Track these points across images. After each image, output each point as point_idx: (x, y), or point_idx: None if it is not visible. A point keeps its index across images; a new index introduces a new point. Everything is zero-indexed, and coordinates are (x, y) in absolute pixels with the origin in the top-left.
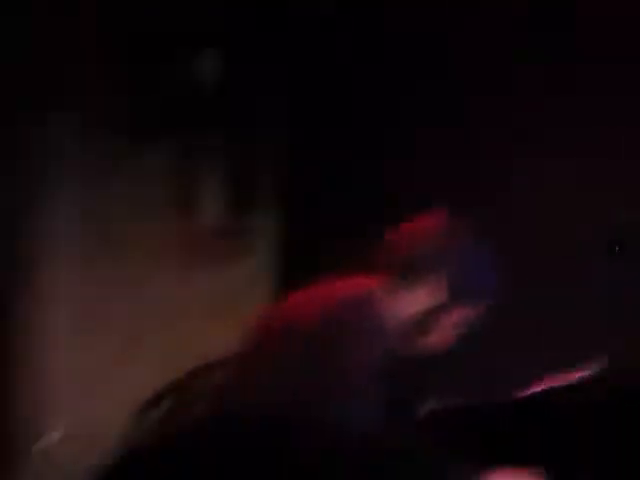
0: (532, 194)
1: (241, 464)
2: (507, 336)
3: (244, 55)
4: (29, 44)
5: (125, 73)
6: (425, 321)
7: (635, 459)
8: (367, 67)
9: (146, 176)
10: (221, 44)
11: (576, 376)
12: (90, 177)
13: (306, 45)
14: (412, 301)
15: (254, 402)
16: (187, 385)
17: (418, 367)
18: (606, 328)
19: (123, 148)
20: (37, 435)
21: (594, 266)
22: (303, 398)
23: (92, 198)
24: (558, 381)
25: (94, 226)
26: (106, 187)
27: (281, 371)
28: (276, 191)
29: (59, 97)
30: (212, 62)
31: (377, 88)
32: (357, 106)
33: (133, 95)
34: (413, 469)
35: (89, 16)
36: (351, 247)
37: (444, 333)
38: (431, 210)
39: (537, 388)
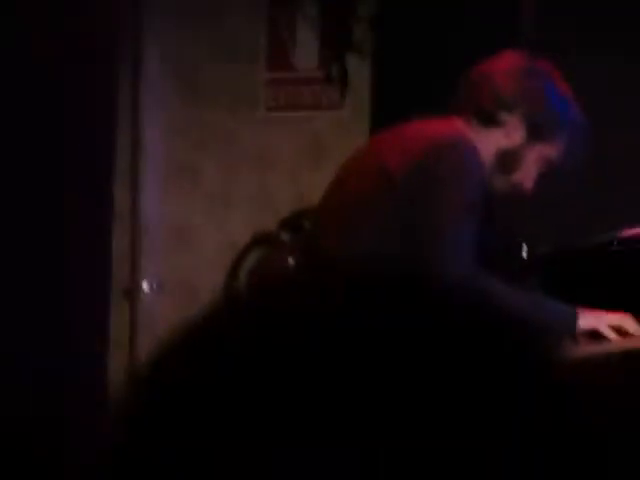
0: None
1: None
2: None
3: None
4: None
5: None
6: (508, 160)
7: None
8: None
9: (238, 23)
10: None
11: None
12: (183, 24)
13: None
14: (494, 141)
15: (344, 253)
16: (276, 235)
17: (514, 212)
18: None
19: None
20: (134, 285)
21: None
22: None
23: (184, 47)
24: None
25: (183, 77)
26: (199, 34)
27: (373, 217)
28: (369, 40)
29: None
30: None
31: None
32: None
33: None
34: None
35: None
36: (437, 96)
37: (529, 171)
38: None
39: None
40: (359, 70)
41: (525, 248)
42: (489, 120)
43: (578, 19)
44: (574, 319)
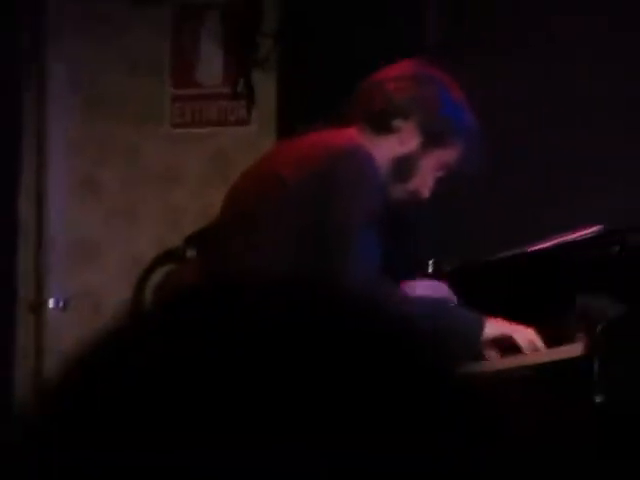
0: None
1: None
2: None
3: None
4: None
5: None
6: (404, 167)
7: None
8: None
9: (142, 39)
10: None
11: (585, 233)
12: (88, 39)
13: None
14: (389, 148)
15: (246, 267)
16: (182, 251)
17: (418, 221)
18: (606, 190)
19: (114, 11)
20: (40, 301)
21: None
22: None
23: (89, 63)
24: (567, 237)
25: (88, 91)
26: (103, 50)
27: (269, 226)
28: (274, 55)
29: None
30: None
31: None
32: None
33: None
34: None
35: None
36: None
37: (425, 178)
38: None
39: (547, 244)
40: (265, 85)
41: (432, 262)
42: (383, 127)
43: (483, 21)
44: (480, 326)
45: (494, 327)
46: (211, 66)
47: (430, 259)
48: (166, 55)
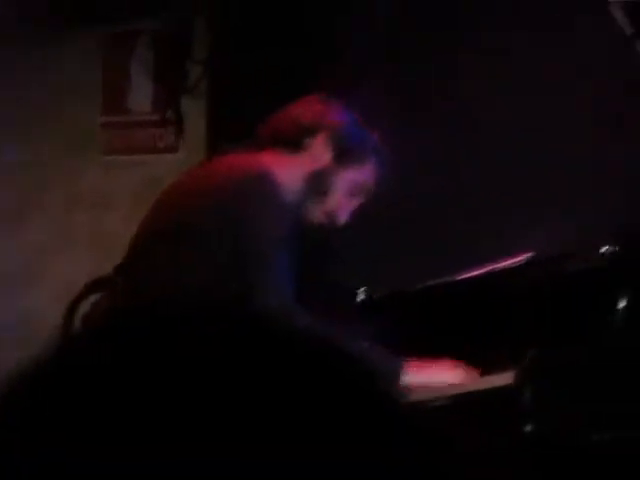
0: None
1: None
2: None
3: None
4: None
5: None
6: (318, 182)
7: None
8: None
9: (73, 64)
10: None
11: (511, 262)
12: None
13: None
14: (301, 165)
15: (165, 286)
16: (113, 279)
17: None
18: (533, 219)
19: (45, 36)
20: None
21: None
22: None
23: (12, 87)
24: (494, 266)
25: (20, 118)
26: (27, 76)
27: (178, 251)
28: (203, 82)
29: None
30: None
31: None
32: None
33: None
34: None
35: None
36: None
37: (341, 197)
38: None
39: (478, 272)
40: (194, 112)
41: (362, 292)
42: (294, 146)
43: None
44: (398, 371)
45: (413, 377)
46: (141, 93)
47: (359, 288)
48: (97, 81)
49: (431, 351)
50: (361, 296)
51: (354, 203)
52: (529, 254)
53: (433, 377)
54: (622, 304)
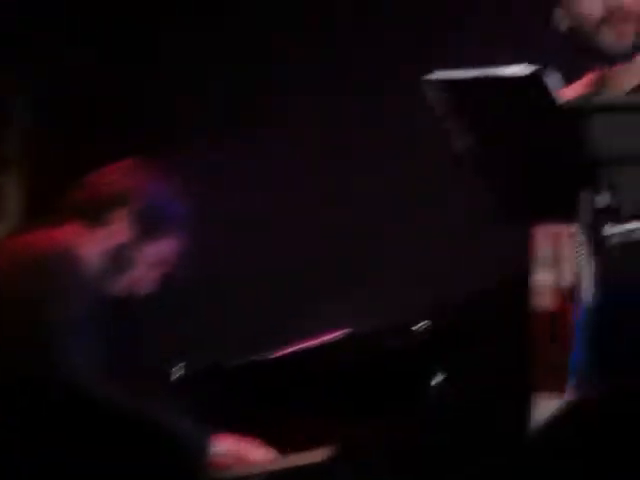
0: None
1: None
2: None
3: None
4: None
5: None
6: (119, 259)
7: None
8: None
9: None
10: None
11: (328, 339)
12: None
13: None
14: (101, 241)
15: None
16: None
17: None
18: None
19: None
20: None
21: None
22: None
23: None
24: (310, 343)
25: None
26: None
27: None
28: (19, 154)
29: None
30: None
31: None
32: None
33: None
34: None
35: None
36: None
37: (144, 269)
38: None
39: (290, 349)
40: (8, 184)
41: (179, 367)
42: (95, 220)
43: None
44: (205, 443)
45: (223, 450)
46: None
47: (176, 362)
48: None
49: (245, 426)
50: (179, 371)
51: (156, 273)
52: (346, 330)
53: (243, 452)
54: (436, 379)
